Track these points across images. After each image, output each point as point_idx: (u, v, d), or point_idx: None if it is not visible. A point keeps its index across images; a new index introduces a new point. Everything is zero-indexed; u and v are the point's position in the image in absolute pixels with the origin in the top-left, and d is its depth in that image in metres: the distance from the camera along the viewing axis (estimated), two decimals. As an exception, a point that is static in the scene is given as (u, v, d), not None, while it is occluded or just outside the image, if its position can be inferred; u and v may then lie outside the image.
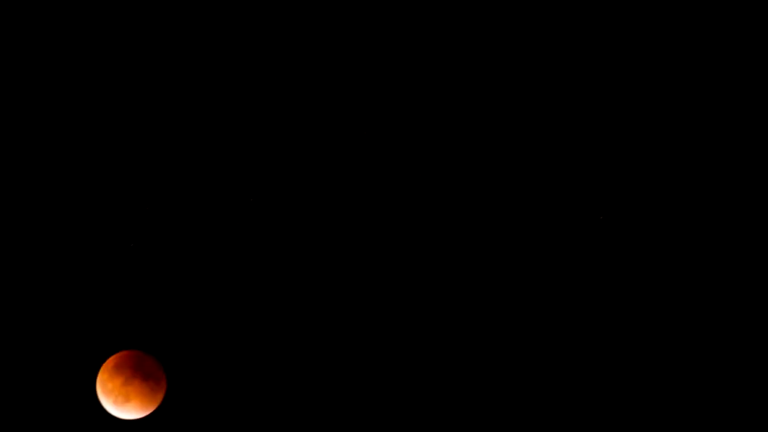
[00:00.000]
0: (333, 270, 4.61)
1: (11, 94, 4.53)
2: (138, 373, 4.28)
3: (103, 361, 4.36)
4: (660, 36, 4.64)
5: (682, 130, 4.63)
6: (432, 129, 4.65)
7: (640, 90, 4.64)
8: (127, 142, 4.60)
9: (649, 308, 4.59)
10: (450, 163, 4.65)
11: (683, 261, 4.59)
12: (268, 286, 4.59)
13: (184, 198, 4.60)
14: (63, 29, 4.54)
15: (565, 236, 4.62)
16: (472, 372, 4.57)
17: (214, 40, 4.60)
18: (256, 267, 4.59)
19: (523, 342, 4.59)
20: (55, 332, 4.50)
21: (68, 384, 4.48)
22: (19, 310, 4.49)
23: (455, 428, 4.55)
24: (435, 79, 4.65)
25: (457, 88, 4.66)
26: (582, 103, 4.65)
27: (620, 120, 4.65)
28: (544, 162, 4.65)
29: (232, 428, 4.53)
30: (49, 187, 4.56)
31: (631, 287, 4.60)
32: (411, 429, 4.53)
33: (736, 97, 4.62)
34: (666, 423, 4.54)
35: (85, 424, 4.45)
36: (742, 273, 4.57)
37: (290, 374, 4.56)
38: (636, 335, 4.58)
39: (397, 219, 4.64)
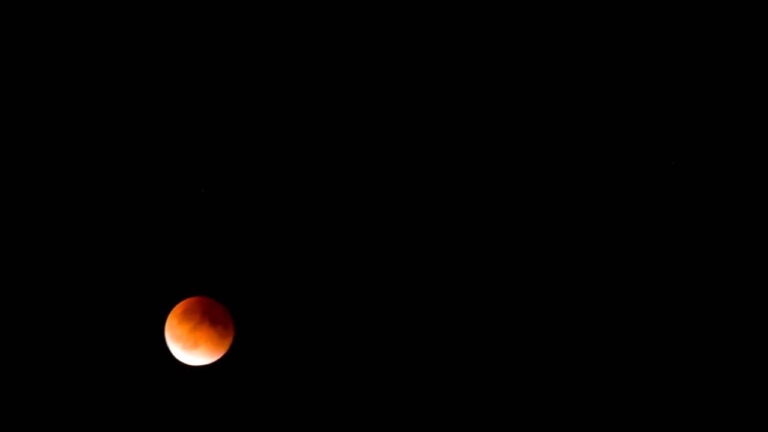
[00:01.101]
0: (400, 226, 4.60)
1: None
2: (206, 319, 4.28)
3: (173, 306, 4.38)
4: (660, 36, 4.59)
5: (682, 129, 4.58)
6: (432, 129, 4.63)
7: (640, 89, 4.61)
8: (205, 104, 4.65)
9: (648, 308, 4.55)
10: (450, 163, 4.62)
11: (684, 260, 4.56)
12: (336, 235, 4.58)
13: (256, 146, 4.62)
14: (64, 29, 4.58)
15: (566, 236, 4.58)
16: (473, 371, 4.55)
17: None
18: (325, 217, 4.59)
19: (523, 341, 4.55)
20: (125, 276, 4.54)
21: (137, 329, 4.51)
22: (89, 256, 4.54)
23: (456, 428, 4.51)
24: (435, 79, 4.64)
25: (457, 89, 4.63)
26: (582, 102, 4.61)
27: (621, 119, 4.61)
28: (544, 161, 4.61)
29: (298, 374, 4.53)
30: (121, 138, 4.61)
31: (631, 287, 4.56)
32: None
33: (737, 96, 4.57)
34: (666, 423, 4.48)
35: (153, 369, 4.48)
36: (742, 273, 4.53)
37: (356, 324, 4.55)
38: (636, 335, 4.54)
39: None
